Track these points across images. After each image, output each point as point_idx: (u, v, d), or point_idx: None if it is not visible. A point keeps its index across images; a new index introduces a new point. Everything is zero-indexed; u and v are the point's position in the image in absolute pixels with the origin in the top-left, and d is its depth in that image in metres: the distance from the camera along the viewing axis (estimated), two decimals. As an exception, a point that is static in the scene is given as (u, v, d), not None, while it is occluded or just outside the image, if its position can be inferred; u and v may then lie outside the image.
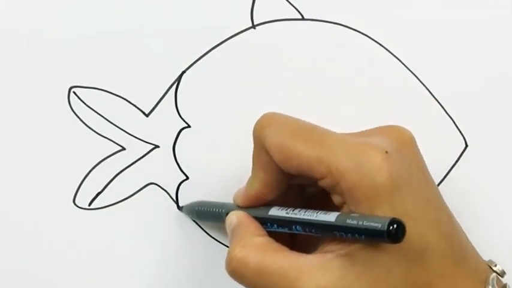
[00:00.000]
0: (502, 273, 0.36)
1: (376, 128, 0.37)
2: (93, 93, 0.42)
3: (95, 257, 0.42)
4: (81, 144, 0.42)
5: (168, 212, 0.42)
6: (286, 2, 0.42)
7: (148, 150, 0.42)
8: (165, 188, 0.42)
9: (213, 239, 0.42)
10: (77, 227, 0.42)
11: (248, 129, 0.41)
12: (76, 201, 0.42)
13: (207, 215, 0.41)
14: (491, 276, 0.35)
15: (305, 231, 0.34)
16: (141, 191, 0.42)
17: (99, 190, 0.42)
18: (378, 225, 0.30)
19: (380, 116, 0.42)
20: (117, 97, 0.42)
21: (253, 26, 0.42)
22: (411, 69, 0.42)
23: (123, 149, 0.42)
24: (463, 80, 0.42)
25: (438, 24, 0.42)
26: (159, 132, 0.42)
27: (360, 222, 0.31)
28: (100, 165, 0.42)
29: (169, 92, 0.42)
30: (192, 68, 0.42)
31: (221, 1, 0.42)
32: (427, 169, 0.35)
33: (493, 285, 0.34)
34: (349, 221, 0.32)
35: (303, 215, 0.34)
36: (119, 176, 0.42)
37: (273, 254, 0.34)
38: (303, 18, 0.42)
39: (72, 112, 0.42)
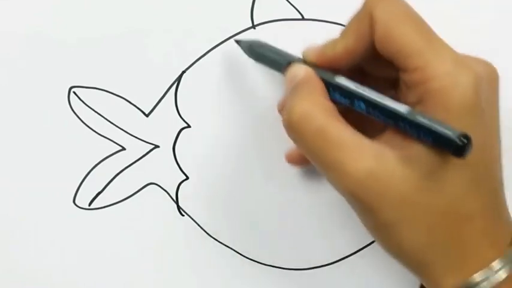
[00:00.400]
0: None
1: (471, 56, 0.36)
2: (93, 93, 0.42)
3: (95, 257, 0.42)
4: (81, 144, 0.42)
5: (168, 212, 0.42)
6: (286, 2, 0.42)
7: (148, 150, 0.42)
8: (165, 188, 0.42)
9: (213, 239, 0.42)
10: (77, 226, 0.42)
11: (248, 129, 0.42)
12: (76, 201, 0.42)
13: (266, 59, 0.39)
14: None
15: (368, 111, 0.33)
16: (141, 191, 0.42)
17: (99, 190, 0.42)
18: (450, 133, 0.30)
19: None
20: (117, 97, 0.42)
21: (253, 26, 0.42)
22: None
23: (123, 149, 0.42)
24: None
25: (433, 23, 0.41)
26: (159, 132, 0.42)
27: (433, 124, 0.31)
28: (100, 165, 0.42)
29: (169, 92, 0.42)
30: (192, 67, 0.42)
31: (221, 1, 0.42)
32: (498, 105, 0.35)
33: None
34: (421, 119, 0.31)
35: (373, 95, 0.33)
36: (119, 176, 0.42)
37: (339, 123, 0.33)
38: (303, 18, 0.42)
39: (72, 112, 0.42)
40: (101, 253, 0.42)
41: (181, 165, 0.42)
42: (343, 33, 0.35)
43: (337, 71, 0.35)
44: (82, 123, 0.42)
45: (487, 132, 0.33)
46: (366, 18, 0.34)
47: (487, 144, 0.33)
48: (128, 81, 0.42)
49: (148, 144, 0.42)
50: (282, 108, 0.37)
